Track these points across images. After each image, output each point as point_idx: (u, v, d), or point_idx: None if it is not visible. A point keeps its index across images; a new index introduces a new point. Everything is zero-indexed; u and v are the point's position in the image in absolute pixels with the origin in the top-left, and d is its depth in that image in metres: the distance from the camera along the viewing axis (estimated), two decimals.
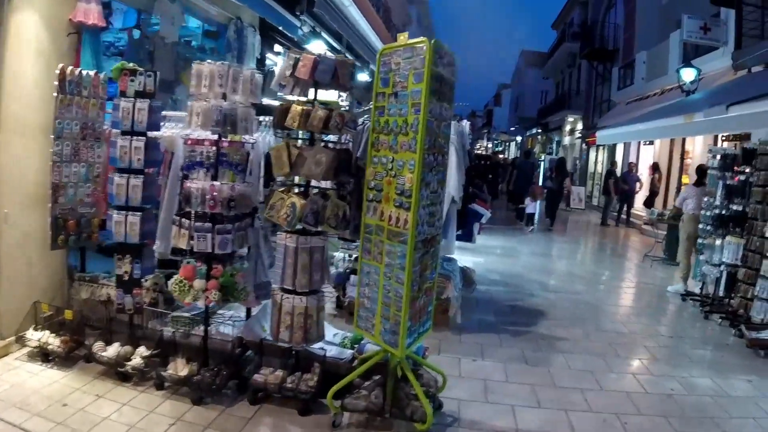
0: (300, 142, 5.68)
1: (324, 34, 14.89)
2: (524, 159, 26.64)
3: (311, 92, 5.72)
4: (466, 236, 9.67)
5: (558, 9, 48.87)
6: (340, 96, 5.96)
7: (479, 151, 52.49)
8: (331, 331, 6.56)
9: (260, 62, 11.63)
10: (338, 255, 9.42)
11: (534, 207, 21.83)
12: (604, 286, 12.26)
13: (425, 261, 5.13)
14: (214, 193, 5.53)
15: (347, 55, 16.37)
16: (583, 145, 37.35)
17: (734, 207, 9.94)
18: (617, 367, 7.31)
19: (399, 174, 4.90)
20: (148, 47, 8.73)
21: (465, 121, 9.93)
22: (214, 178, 5.68)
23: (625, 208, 23.94)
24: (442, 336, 7.77)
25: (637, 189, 23.44)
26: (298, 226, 5.38)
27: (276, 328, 5.52)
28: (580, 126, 38.99)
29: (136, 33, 8.73)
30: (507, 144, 75.64)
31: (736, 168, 10.07)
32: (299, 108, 5.43)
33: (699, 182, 11.80)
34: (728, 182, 10.20)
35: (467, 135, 9.27)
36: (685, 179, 22.55)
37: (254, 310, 6.71)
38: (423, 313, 5.30)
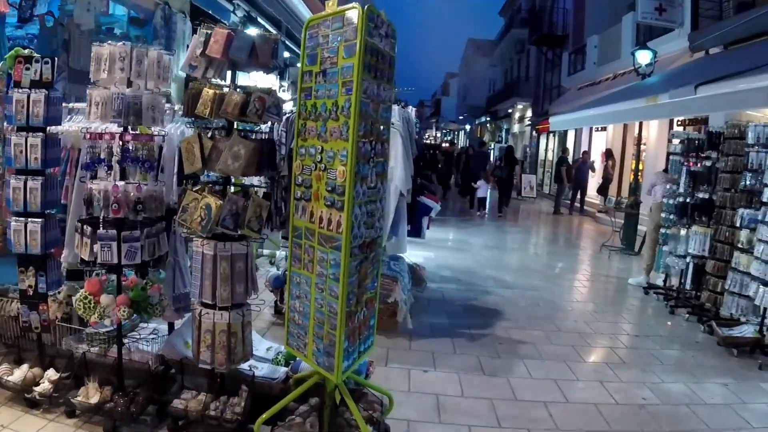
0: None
1: (261, 20, 14.08)
2: (479, 149, 26.98)
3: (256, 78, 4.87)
4: (415, 231, 8.90)
5: None
6: (281, 86, 5.14)
7: (428, 141, 52.11)
8: (263, 345, 5.70)
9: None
10: (279, 254, 8.64)
11: (485, 190, 22.12)
12: (562, 280, 11.52)
13: (364, 269, 4.28)
14: (118, 195, 4.60)
15: (286, 42, 15.64)
16: (533, 132, 37.15)
17: (700, 195, 9.30)
18: (583, 374, 6.56)
19: (329, 167, 4.05)
20: (62, 36, 7.90)
21: (411, 107, 9.22)
22: (123, 177, 4.77)
23: (578, 196, 23.44)
24: (391, 343, 6.95)
25: (591, 176, 23.04)
26: (217, 230, 4.49)
27: (196, 347, 4.59)
28: (529, 113, 38.74)
29: (49, 20, 7.86)
30: (456, 133, 75.64)
31: (701, 153, 9.45)
32: (211, 92, 4.51)
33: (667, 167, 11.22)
34: (693, 168, 9.57)
35: (414, 122, 8.53)
36: (634, 165, 22.29)
37: (178, 323, 5.80)
38: (363, 329, 4.43)
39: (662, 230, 10.34)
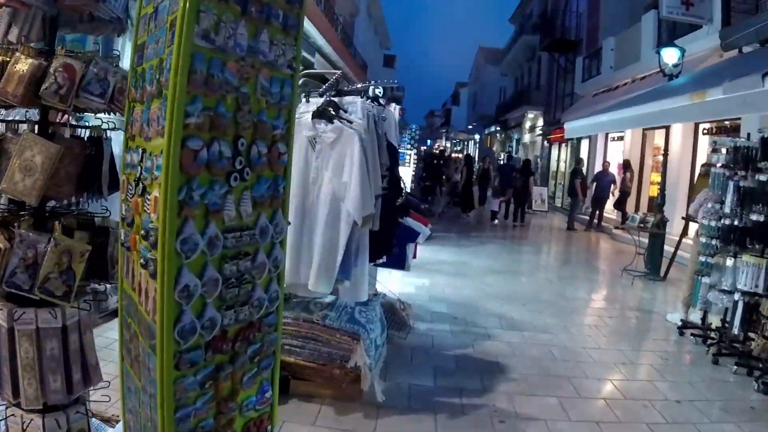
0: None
1: None
2: (506, 162, 25.69)
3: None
4: (397, 261, 7.13)
5: (516, 2, 47.47)
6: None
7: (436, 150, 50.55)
8: None
9: None
10: None
11: (497, 204, 22.64)
12: (580, 316, 9.61)
13: (234, 375, 2.51)
14: None
15: None
16: (545, 142, 35.59)
17: (752, 217, 7.47)
18: None
19: (149, 189, 2.34)
20: None
21: (395, 105, 7.50)
22: None
23: (597, 211, 21.70)
24: (349, 421, 5.11)
25: (612, 190, 21.22)
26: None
27: None
28: (540, 122, 37.17)
29: None
30: (466, 143, 74.75)
31: (753, 165, 7.63)
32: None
33: None
34: (742, 184, 7.75)
35: (395, 125, 6.77)
36: (654, 177, 20.82)
37: None
38: None
39: (701, 258, 8.54)
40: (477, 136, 68.10)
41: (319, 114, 4.93)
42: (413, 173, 16.14)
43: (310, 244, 4.97)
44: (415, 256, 7.83)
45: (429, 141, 72.40)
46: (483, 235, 19.36)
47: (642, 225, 12.72)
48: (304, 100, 5.41)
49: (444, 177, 24.56)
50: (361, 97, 5.45)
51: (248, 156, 2.77)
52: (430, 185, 23.45)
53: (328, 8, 25.47)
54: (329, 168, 4.85)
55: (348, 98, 5.45)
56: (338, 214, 4.83)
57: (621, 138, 23.14)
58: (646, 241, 13.00)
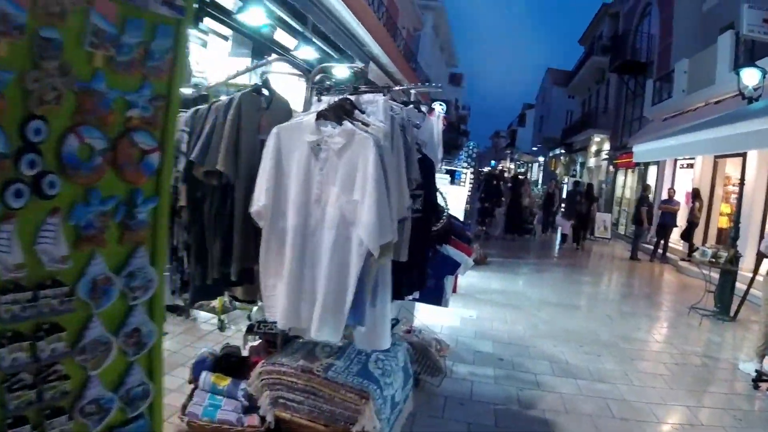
0: None
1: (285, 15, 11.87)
2: (573, 188, 26.02)
3: None
4: (432, 297, 6.35)
5: (586, 24, 46.53)
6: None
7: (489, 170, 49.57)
8: None
9: None
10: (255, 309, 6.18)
11: (567, 228, 23.11)
12: (642, 361, 8.59)
13: None
14: None
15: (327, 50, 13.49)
16: (610, 167, 34.49)
17: None
18: None
19: None
20: None
21: (439, 112, 6.71)
22: None
23: (662, 242, 20.59)
24: None
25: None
26: None
27: None
28: (606, 146, 36.13)
29: None
30: (530, 165, 74.02)
31: None
32: None
33: None
34: None
35: (437, 136, 6.04)
36: (723, 208, 19.77)
37: None
38: None
39: None
40: (541, 158, 67.30)
41: (326, 113, 4.09)
42: (468, 194, 15.22)
43: (312, 280, 4.05)
44: (454, 290, 7.06)
45: (493, 162, 71.69)
46: (541, 262, 18.43)
47: (714, 260, 11.68)
48: (315, 98, 4.65)
49: (503, 198, 23.68)
50: (384, 95, 4.61)
51: (56, 153, 1.91)
52: (488, 207, 22.63)
53: (388, 18, 24.85)
54: (337, 182, 3.95)
55: (367, 96, 4.61)
56: (348, 241, 3.93)
57: (691, 166, 21.96)
58: (716, 276, 11.95)
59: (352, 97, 4.38)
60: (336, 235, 3.94)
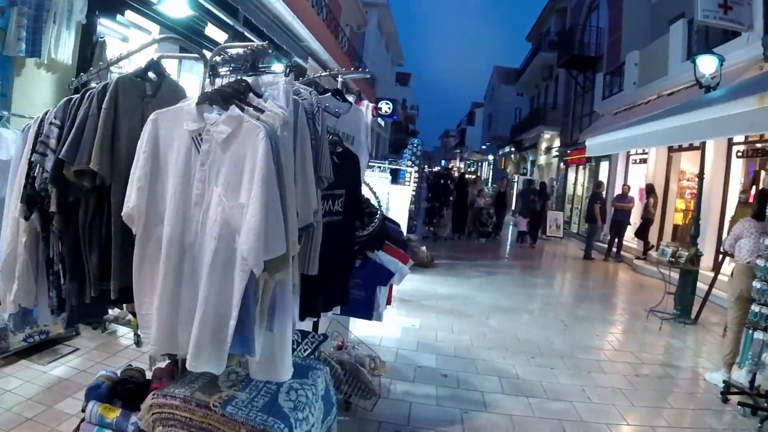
0: None
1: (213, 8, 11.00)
2: (527, 186, 26.62)
3: None
4: (363, 310, 5.45)
5: (533, 20, 46.18)
6: None
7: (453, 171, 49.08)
8: None
9: (86, 31, 7.85)
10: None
11: (524, 225, 22.65)
12: (601, 374, 7.69)
13: None
14: None
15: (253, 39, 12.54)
16: (561, 164, 34.07)
17: None
18: None
19: None
20: None
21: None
22: None
23: (616, 240, 20.00)
24: None
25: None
26: None
27: None
28: (557, 143, 35.67)
29: None
30: (480, 164, 73.99)
31: None
32: None
33: (761, 214, 7.69)
34: None
35: (364, 130, 5.19)
36: (679, 204, 19.44)
37: None
38: None
39: (754, 308, 6.80)
40: (491, 157, 66.97)
41: (211, 96, 3.15)
42: (413, 193, 14.39)
43: (191, 300, 3.12)
44: (389, 302, 6.15)
45: (444, 161, 71.42)
46: (492, 263, 17.56)
47: (673, 259, 10.95)
48: (208, 80, 3.68)
49: (451, 198, 22.95)
50: (286, 75, 3.64)
51: None
52: (436, 207, 21.90)
53: (329, 13, 23.97)
54: (219, 181, 3.04)
55: (267, 78, 3.60)
56: (233, 254, 2.99)
57: (644, 161, 21.42)
58: (676, 276, 11.22)
59: (249, 79, 3.46)
60: (217, 246, 2.99)
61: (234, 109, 3.04)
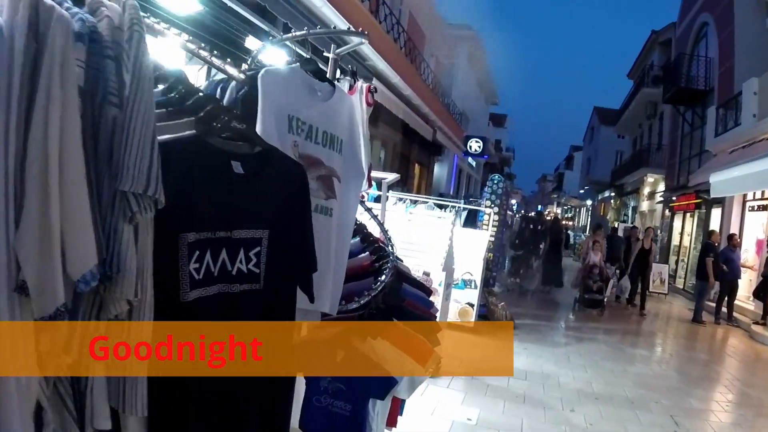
0: None
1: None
2: (613, 234, 23.32)
3: None
4: None
5: (634, 57, 43.80)
6: None
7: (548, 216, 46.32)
8: None
9: None
10: None
11: (626, 279, 18.75)
12: None
13: None
14: None
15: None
16: (666, 210, 31.30)
17: None
18: None
19: None
20: None
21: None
22: None
23: (726, 299, 16.88)
24: None
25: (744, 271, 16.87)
26: None
27: None
28: (661, 187, 32.79)
29: None
30: (578, 210, 71.75)
31: None
32: None
33: None
34: None
35: (363, 121, 3.01)
36: None
37: None
38: None
39: None
40: (589, 202, 65.36)
41: None
42: (491, 238, 11.95)
43: None
44: (392, 423, 3.78)
45: (540, 206, 69.08)
46: (584, 325, 14.62)
47: None
48: None
49: (541, 246, 20.40)
50: None
51: None
52: (522, 255, 19.65)
53: (408, 41, 21.94)
54: None
55: None
56: None
57: (764, 207, 18.63)
58: None
59: None
60: None
61: None
